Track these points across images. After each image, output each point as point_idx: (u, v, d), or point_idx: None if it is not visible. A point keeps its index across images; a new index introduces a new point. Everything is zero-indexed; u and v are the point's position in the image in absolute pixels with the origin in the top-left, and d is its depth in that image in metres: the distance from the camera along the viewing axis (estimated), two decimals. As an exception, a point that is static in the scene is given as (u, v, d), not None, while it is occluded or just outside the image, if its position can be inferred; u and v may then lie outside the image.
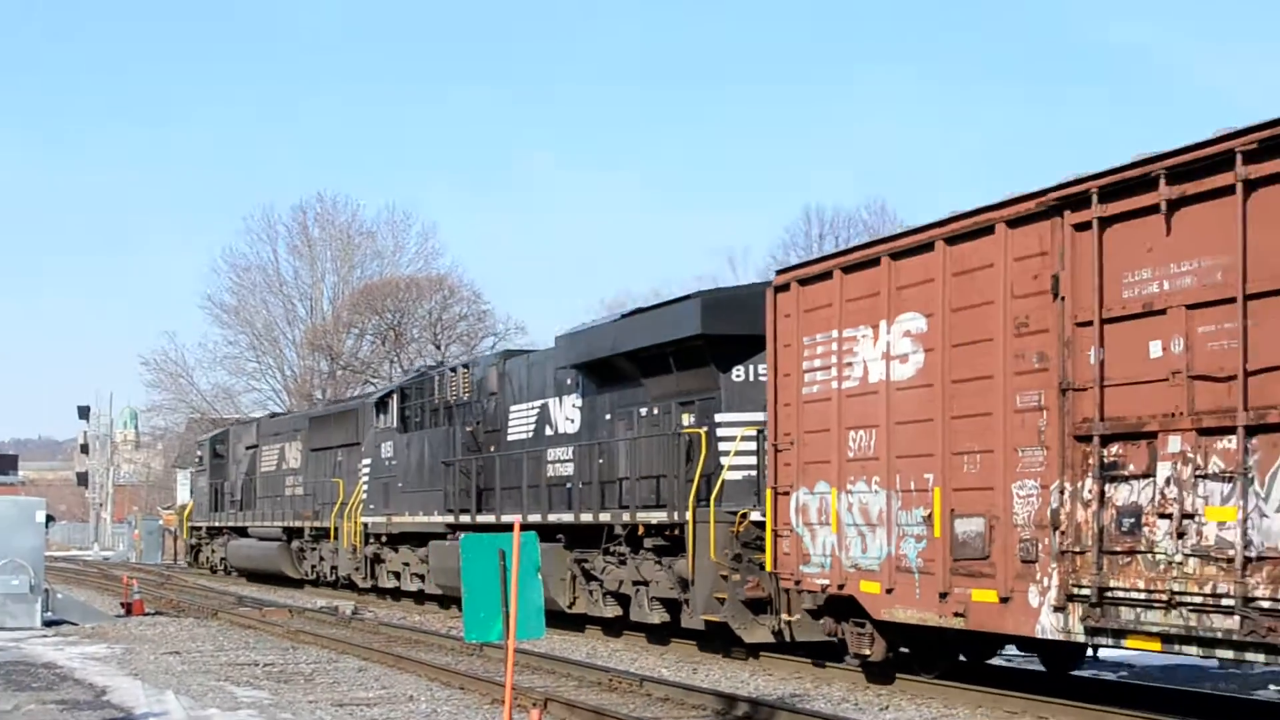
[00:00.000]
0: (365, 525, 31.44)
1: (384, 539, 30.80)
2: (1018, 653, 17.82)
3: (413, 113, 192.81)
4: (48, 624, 25.09)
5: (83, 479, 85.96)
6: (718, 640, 19.40)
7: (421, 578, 29.05)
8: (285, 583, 37.65)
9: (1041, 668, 16.18)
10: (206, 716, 14.09)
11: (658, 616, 20.64)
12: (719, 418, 19.50)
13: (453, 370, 28.43)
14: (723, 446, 19.20)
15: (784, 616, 16.98)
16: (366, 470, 31.48)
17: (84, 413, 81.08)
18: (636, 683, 15.87)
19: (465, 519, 26.16)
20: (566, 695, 14.90)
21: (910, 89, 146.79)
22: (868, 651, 15.74)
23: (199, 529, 47.72)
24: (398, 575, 30.42)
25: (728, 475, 18.97)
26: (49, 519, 30.73)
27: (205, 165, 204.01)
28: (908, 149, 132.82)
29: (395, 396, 30.58)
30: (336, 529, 33.31)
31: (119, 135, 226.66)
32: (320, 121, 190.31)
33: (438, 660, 18.83)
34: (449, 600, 28.53)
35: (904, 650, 16.05)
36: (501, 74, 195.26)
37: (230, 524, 42.93)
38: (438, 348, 59.40)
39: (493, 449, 26.03)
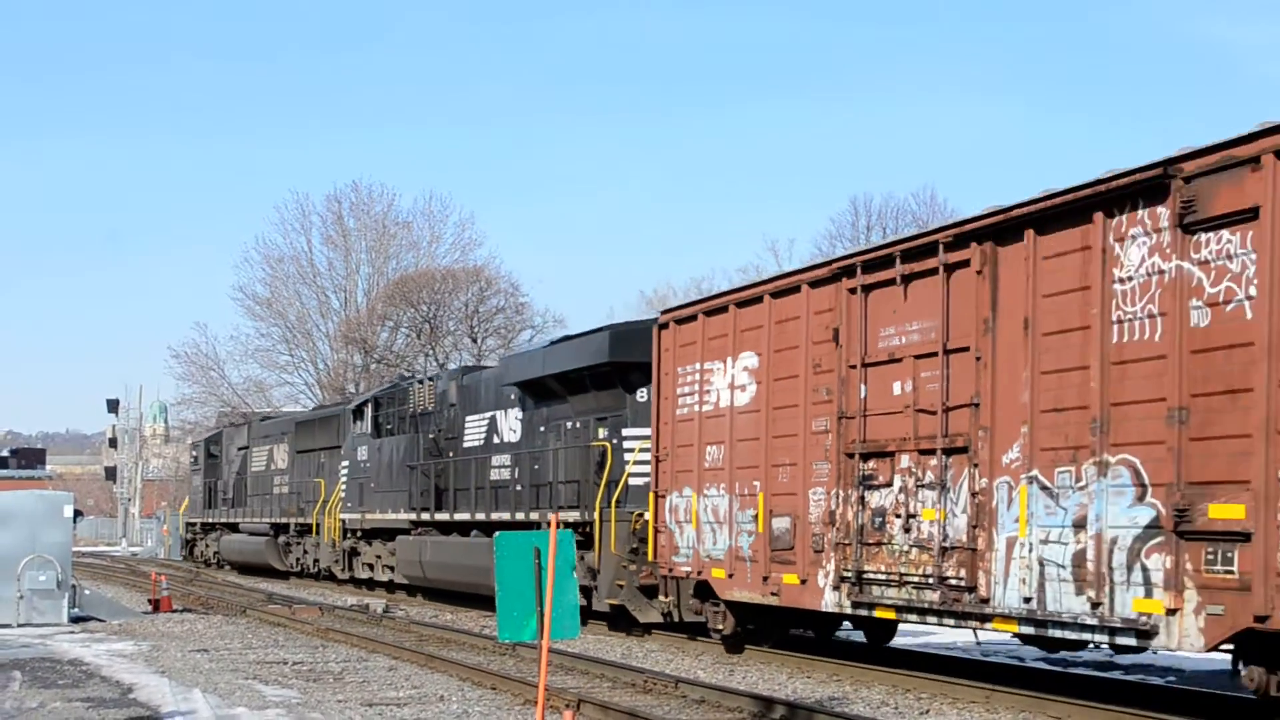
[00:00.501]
0: (343, 522, 35.19)
1: (359, 534, 34.56)
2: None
3: (451, 102, 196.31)
4: (75, 620, 25.22)
5: (111, 473, 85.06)
6: (622, 621, 23.07)
7: (392, 569, 32.75)
8: (273, 574, 41.38)
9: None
10: (234, 715, 14.12)
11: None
12: (625, 432, 23.17)
13: (420, 382, 32.18)
14: (628, 457, 22.90)
15: (662, 599, 20.70)
16: (345, 471, 35.22)
17: (113, 406, 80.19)
18: (672, 684, 15.83)
19: (425, 516, 29.94)
20: (600, 696, 14.95)
21: (961, 78, 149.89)
22: (721, 627, 19.40)
23: (194, 525, 51.51)
24: (371, 567, 34.14)
25: (630, 481, 22.65)
26: (77, 514, 28.50)
27: (238, 154, 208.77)
28: (960, 137, 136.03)
29: (370, 405, 34.32)
30: (318, 525, 37.09)
31: (147, 125, 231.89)
32: (358, 109, 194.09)
33: (470, 660, 18.82)
34: (415, 589, 32.28)
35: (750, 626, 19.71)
36: (540, 62, 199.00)
37: (223, 520, 46.73)
38: (474, 341, 59.26)
39: (451, 454, 29.77)
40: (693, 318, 19.63)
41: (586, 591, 23.87)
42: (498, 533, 10.82)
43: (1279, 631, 10.69)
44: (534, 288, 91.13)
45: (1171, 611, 11.44)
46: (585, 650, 19.68)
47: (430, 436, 30.66)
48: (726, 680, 16.69)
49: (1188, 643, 11.34)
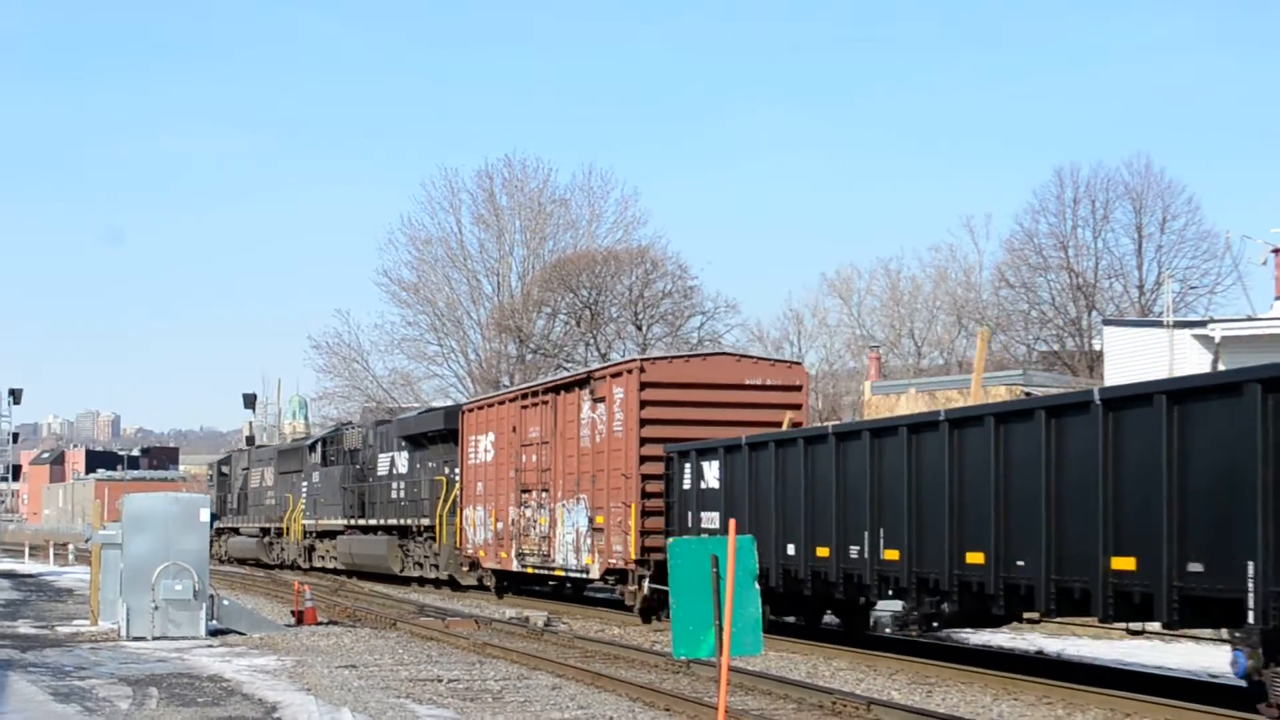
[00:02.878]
0: (304, 526, 54.15)
1: (315, 535, 53.50)
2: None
3: (611, 69, 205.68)
4: (213, 633, 25.71)
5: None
6: (448, 586, 41.73)
7: (335, 559, 51.55)
8: (261, 566, 60.35)
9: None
10: (386, 737, 14.30)
11: (434, 575, 43.01)
12: (456, 471, 41.84)
13: (352, 429, 51.14)
14: (456, 486, 41.59)
15: (464, 570, 39.43)
16: (305, 489, 54.15)
17: (249, 401, 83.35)
18: (864, 706, 15.94)
19: (352, 522, 48.81)
20: (784, 719, 15.18)
21: (1172, 32, 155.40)
22: (490, 584, 37.99)
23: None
24: (323, 558, 53.00)
25: (456, 500, 41.39)
26: (213, 518, 31.56)
27: (379, 127, 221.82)
28: (1174, 97, 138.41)
29: (320, 443, 53.27)
30: (287, 528, 56.07)
31: (279, 97, 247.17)
32: (510, 75, 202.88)
33: (640, 678, 19.03)
34: (351, 573, 51.04)
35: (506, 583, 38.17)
36: (719, 16, 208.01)
37: (229, 525, 65.86)
38: (639, 329, 60.12)
39: (369, 480, 48.64)
40: (472, 410, 38.38)
41: (434, 566, 42.67)
42: (671, 539, 11.01)
43: (622, 569, 29.21)
44: (703, 270, 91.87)
45: (592, 563, 29.99)
46: (767, 668, 20.02)
47: (357, 467, 49.52)
48: (924, 702, 16.82)
49: (596, 575, 29.90)
